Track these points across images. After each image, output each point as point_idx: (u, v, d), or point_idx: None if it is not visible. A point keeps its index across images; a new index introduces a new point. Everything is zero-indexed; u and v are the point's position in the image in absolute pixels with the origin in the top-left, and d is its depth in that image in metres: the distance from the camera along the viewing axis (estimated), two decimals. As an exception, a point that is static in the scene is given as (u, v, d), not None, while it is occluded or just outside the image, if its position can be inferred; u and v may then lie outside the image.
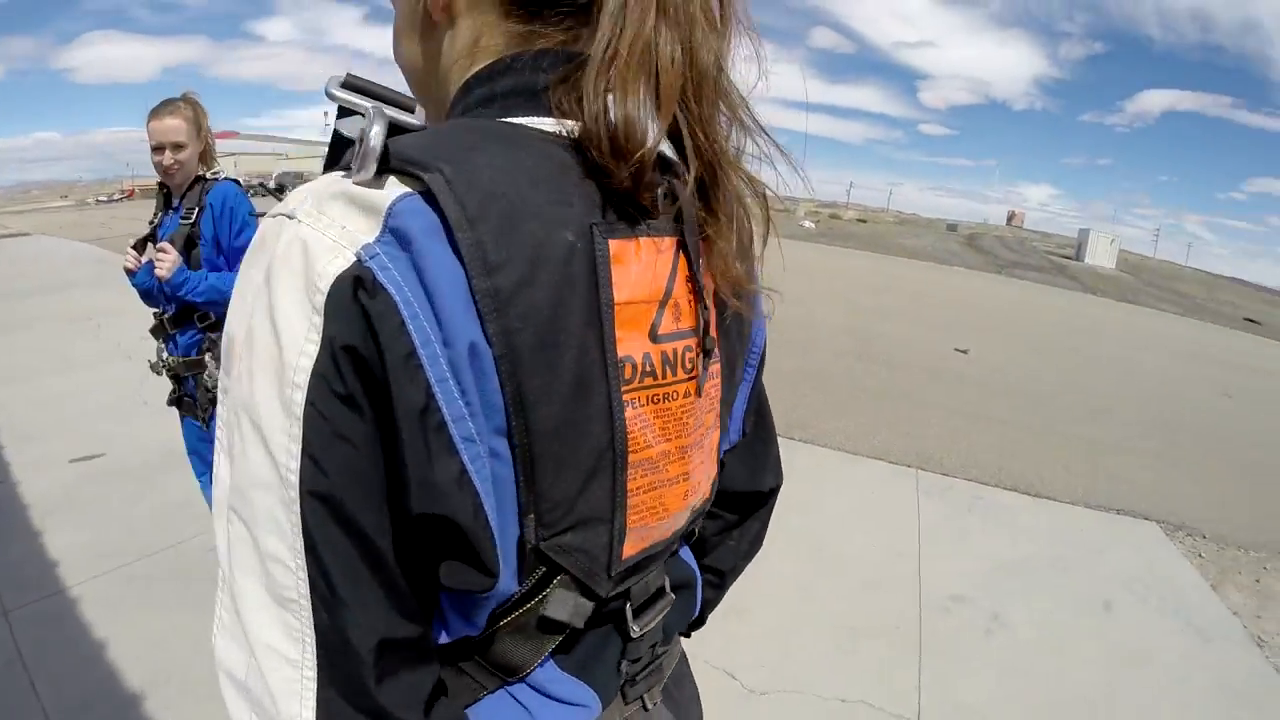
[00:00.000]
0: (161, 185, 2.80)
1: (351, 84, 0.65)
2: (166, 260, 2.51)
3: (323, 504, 0.50)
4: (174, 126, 2.58)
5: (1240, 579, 5.14)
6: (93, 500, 3.92)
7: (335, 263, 0.49)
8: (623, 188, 0.59)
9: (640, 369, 0.62)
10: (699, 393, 0.69)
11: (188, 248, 2.62)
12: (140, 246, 2.75)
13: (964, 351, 11.31)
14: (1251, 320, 33.27)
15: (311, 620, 0.50)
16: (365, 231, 0.51)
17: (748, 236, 0.74)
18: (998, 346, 12.62)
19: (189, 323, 2.70)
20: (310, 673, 0.51)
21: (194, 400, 2.76)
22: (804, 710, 2.95)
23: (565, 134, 0.61)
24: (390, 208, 0.51)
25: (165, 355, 2.79)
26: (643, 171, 0.59)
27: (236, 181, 2.77)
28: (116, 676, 2.70)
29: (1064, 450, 7.14)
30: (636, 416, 0.63)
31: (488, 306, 0.52)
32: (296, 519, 0.50)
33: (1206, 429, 9.55)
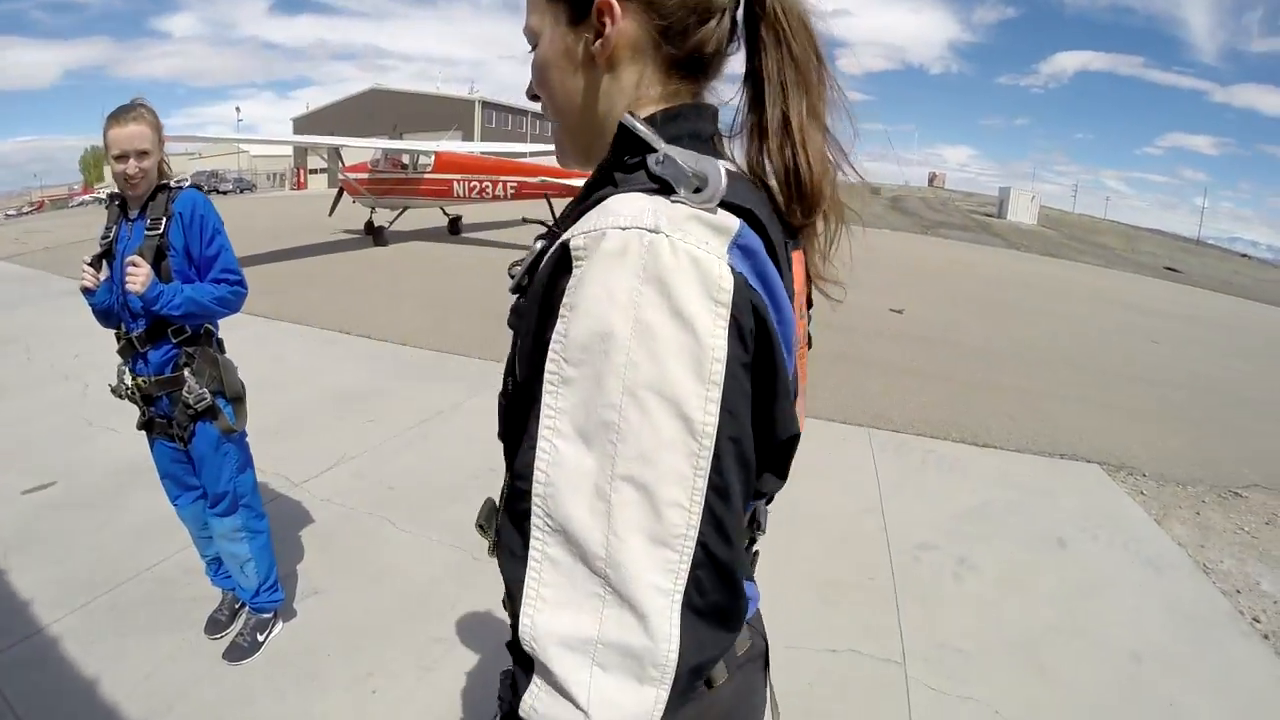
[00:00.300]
0: (113, 196, 2.64)
1: (635, 121, 0.77)
2: (139, 275, 2.35)
3: (733, 445, 0.66)
4: (138, 133, 2.43)
5: (1181, 513, 5.44)
6: (54, 532, 3.74)
7: (724, 271, 0.65)
8: (795, 221, 0.88)
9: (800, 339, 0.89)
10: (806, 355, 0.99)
11: (156, 260, 2.48)
12: (97, 263, 2.53)
13: (899, 312, 11.55)
14: (1172, 269, 34.77)
15: (690, 554, 0.63)
16: (721, 246, 0.66)
17: (827, 243, 0.96)
18: (931, 305, 12.93)
19: (162, 339, 2.56)
20: (678, 599, 0.63)
21: (169, 420, 2.62)
22: (799, 664, 3.05)
23: (749, 175, 0.87)
24: (738, 231, 0.68)
25: (130, 377, 2.61)
26: (812, 211, 0.88)
27: (199, 187, 2.68)
28: (115, 713, 2.57)
29: (1006, 401, 7.44)
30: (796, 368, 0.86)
31: (786, 299, 0.75)
32: (704, 465, 0.63)
33: (1137, 374, 10.01)
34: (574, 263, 0.67)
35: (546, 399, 0.66)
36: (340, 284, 10.12)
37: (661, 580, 0.63)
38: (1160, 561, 4.55)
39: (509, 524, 0.71)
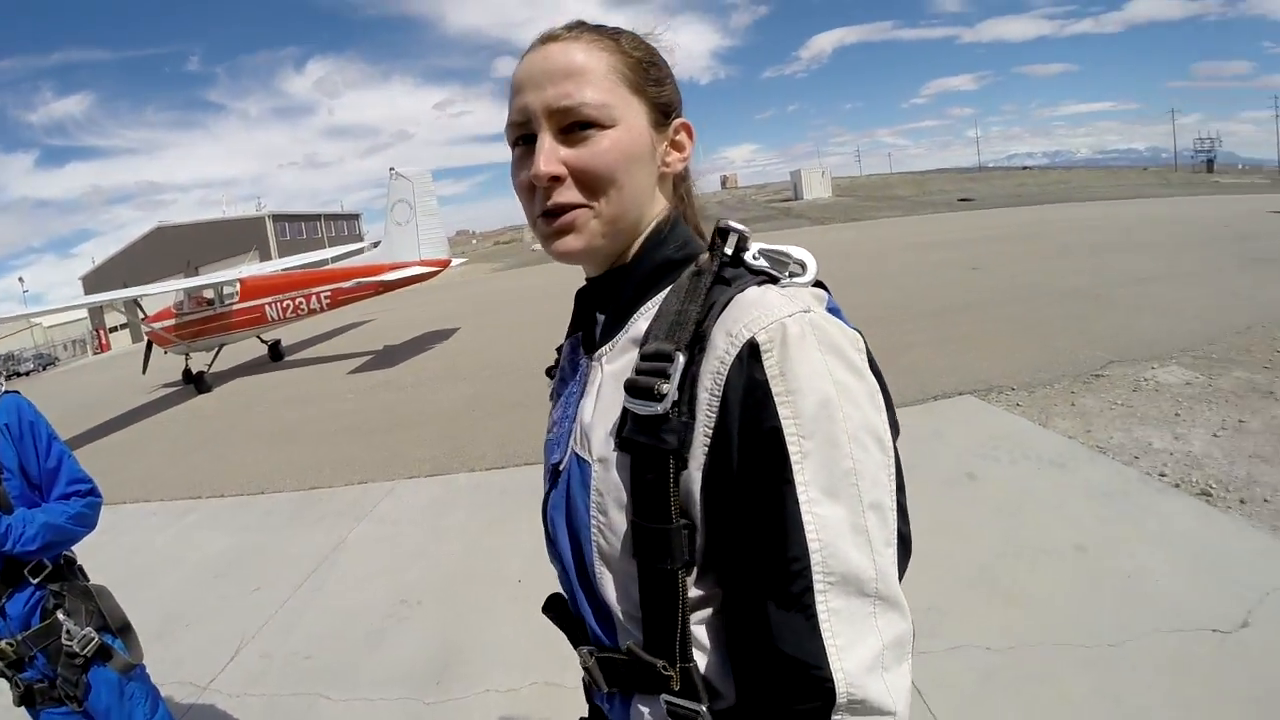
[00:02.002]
0: None
1: (732, 223, 0.87)
2: None
3: (895, 456, 0.80)
4: None
5: (1059, 409, 5.79)
6: None
7: (848, 328, 0.81)
8: None
9: None
10: None
11: None
12: None
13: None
14: (965, 199, 37.81)
15: (896, 535, 0.77)
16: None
17: None
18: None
19: (20, 583, 2.10)
20: (887, 559, 0.74)
21: (51, 682, 2.12)
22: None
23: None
24: (828, 300, 0.84)
25: None
26: None
27: (17, 392, 2.27)
28: None
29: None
30: None
31: None
32: (893, 473, 0.78)
33: (971, 301, 10.76)
34: (764, 355, 0.73)
35: (796, 478, 0.71)
36: (174, 445, 9.25)
37: (896, 571, 0.76)
38: (1061, 458, 4.80)
39: (789, 611, 0.72)
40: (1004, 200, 35.66)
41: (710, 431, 0.75)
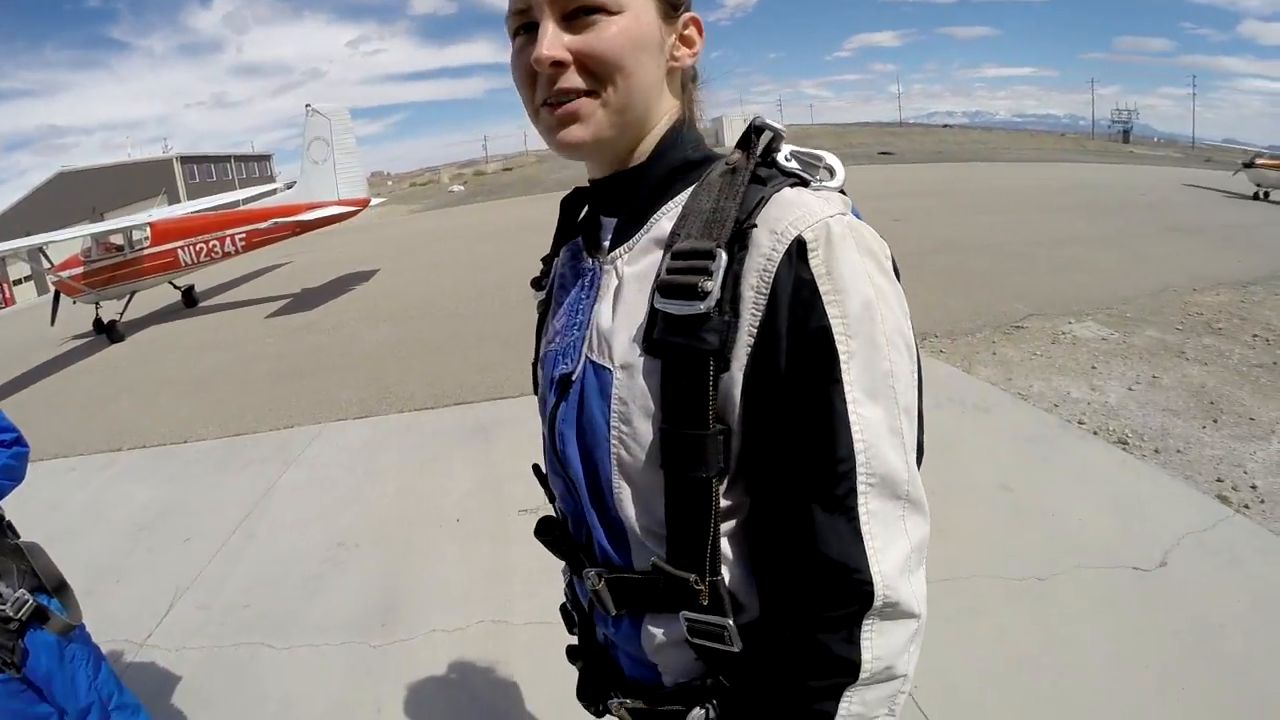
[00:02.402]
0: None
1: (767, 120, 0.84)
2: None
3: (917, 355, 0.80)
4: None
5: (982, 357, 6.02)
6: None
7: (876, 233, 0.80)
8: None
9: None
10: None
11: None
12: None
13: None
14: (885, 153, 38.32)
15: (917, 434, 0.80)
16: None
17: None
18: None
19: None
20: (914, 461, 0.77)
21: None
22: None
23: None
24: (852, 206, 0.81)
25: None
26: None
27: None
28: None
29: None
30: None
31: None
32: (916, 374, 0.78)
33: (895, 252, 10.53)
34: (810, 254, 0.72)
35: (844, 378, 0.71)
36: (89, 398, 8.74)
37: (913, 453, 0.77)
38: (985, 403, 5.00)
39: (833, 514, 0.72)
40: (925, 156, 36.29)
41: (755, 330, 0.73)
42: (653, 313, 0.77)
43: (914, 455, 0.76)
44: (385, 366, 7.84)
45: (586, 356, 0.87)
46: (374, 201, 15.34)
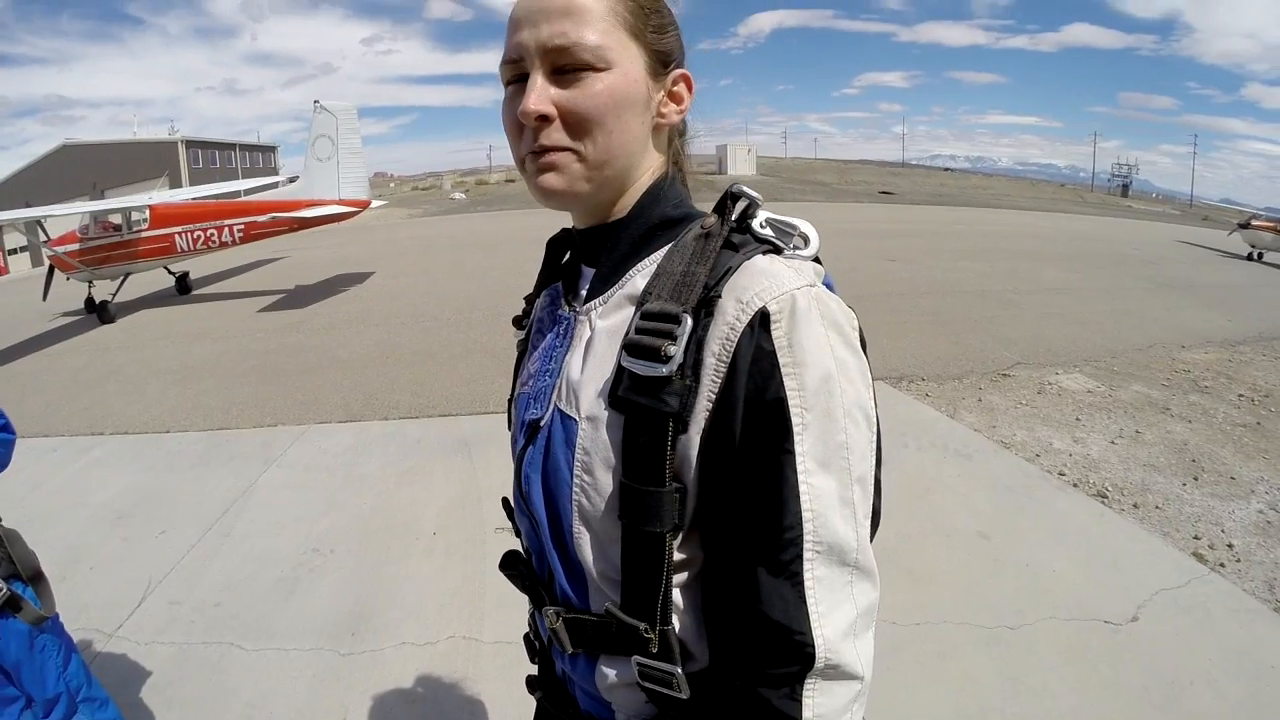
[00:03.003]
0: None
1: (744, 189, 0.88)
2: None
3: (878, 434, 0.81)
4: None
5: (967, 403, 6.06)
6: None
7: (844, 304, 0.81)
8: None
9: None
10: None
11: None
12: None
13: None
14: (886, 192, 38.70)
15: (870, 504, 0.79)
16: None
17: None
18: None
19: None
20: (865, 530, 0.77)
21: None
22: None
23: None
24: (825, 275, 0.84)
25: None
26: None
27: None
28: None
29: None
30: None
31: None
32: (874, 445, 0.80)
33: (887, 291, 11.08)
34: (773, 325, 0.74)
35: (796, 449, 0.72)
36: (75, 378, 8.70)
37: (866, 526, 0.78)
38: (967, 449, 5.03)
39: (778, 578, 0.74)
40: (924, 198, 36.71)
41: (714, 396, 0.75)
42: (620, 369, 0.79)
43: (866, 524, 0.77)
44: (373, 371, 7.83)
45: (555, 405, 0.90)
46: (375, 203, 15.32)
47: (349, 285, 14.03)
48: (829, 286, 0.82)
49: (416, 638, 3.20)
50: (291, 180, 15.76)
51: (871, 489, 0.79)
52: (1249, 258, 18.50)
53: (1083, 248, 18.07)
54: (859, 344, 0.80)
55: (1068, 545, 3.79)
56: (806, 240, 0.84)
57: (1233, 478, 4.74)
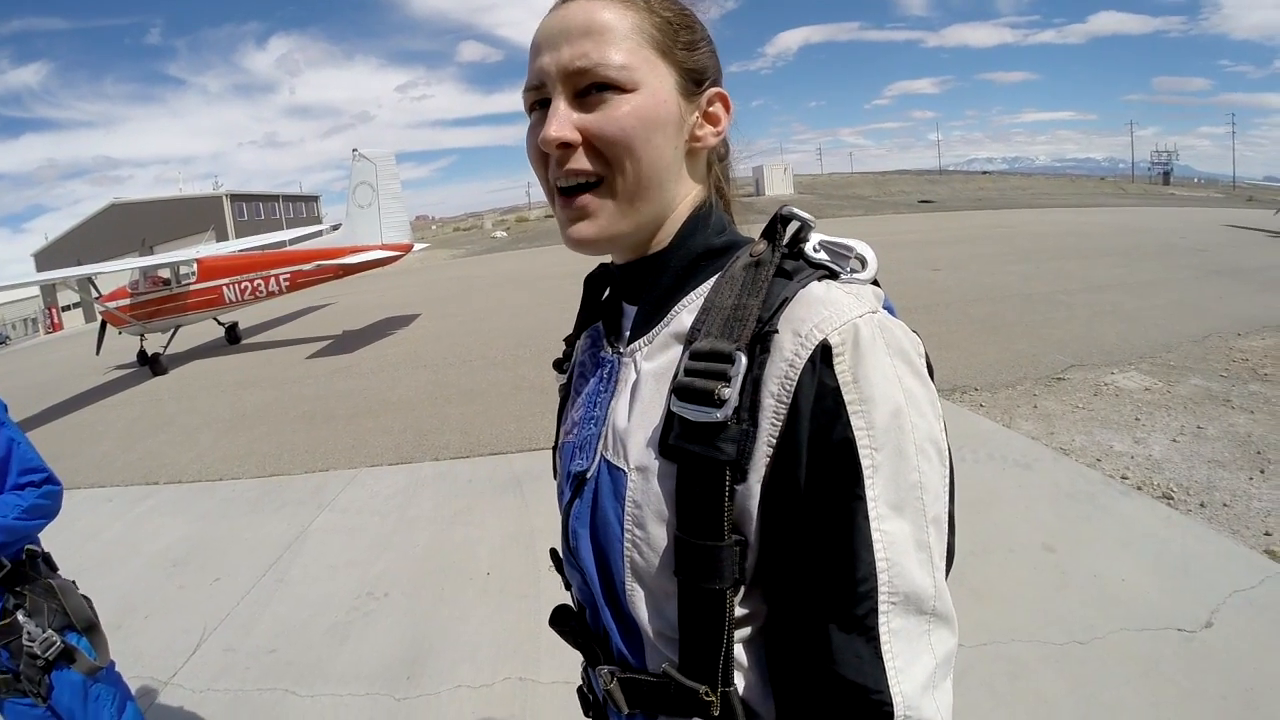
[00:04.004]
0: None
1: (795, 210, 0.81)
2: None
3: (949, 459, 0.74)
4: None
5: (1023, 411, 5.89)
6: None
7: (908, 329, 0.75)
8: None
9: None
10: None
11: None
12: None
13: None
14: (926, 201, 38.44)
15: (945, 543, 0.73)
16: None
17: None
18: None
19: None
20: (941, 573, 0.71)
21: (14, 675, 2.01)
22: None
23: None
24: (884, 298, 0.77)
25: None
26: None
27: None
28: None
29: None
30: None
31: None
32: (948, 480, 0.73)
33: (934, 302, 10.91)
34: (836, 359, 0.68)
35: (868, 493, 0.67)
36: (129, 429, 8.99)
37: (942, 567, 0.72)
38: (1025, 459, 4.88)
39: (850, 634, 0.68)
40: (964, 204, 36.33)
41: (774, 440, 0.70)
42: (669, 415, 0.74)
43: (942, 566, 0.72)
44: (422, 413, 7.89)
45: (602, 455, 0.85)
46: (417, 247, 15.59)
47: (395, 328, 14.26)
48: (889, 310, 0.76)
49: (472, 680, 3.17)
50: (335, 228, 16.14)
51: (946, 527, 0.73)
52: (1297, 234, 17.90)
53: (1128, 241, 17.62)
54: (926, 371, 0.74)
55: (1135, 552, 3.63)
56: (864, 262, 0.76)
57: (1301, 467, 4.51)
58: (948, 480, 0.73)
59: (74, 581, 2.24)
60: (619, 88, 0.77)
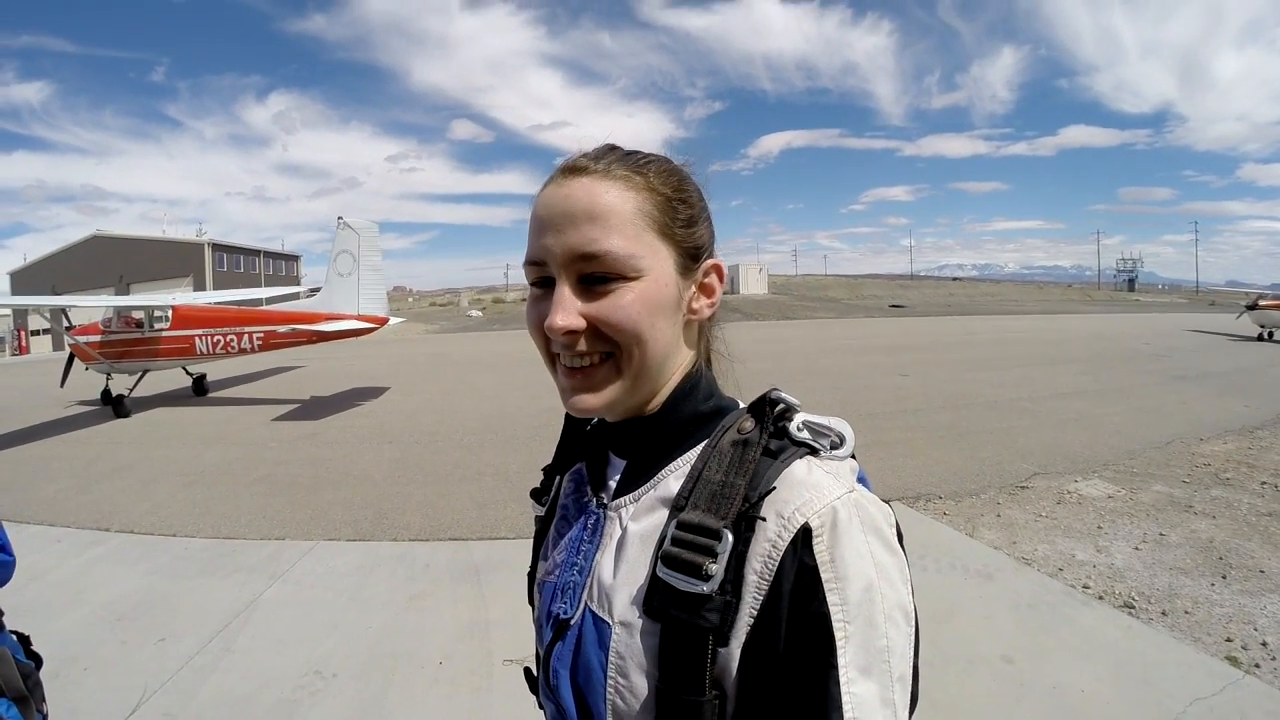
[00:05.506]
0: None
1: (783, 394, 0.86)
2: None
3: (915, 620, 0.77)
4: None
5: (986, 519, 5.95)
6: None
7: (881, 502, 0.80)
8: None
9: None
10: None
11: None
12: None
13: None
14: (896, 305, 39.32)
15: (909, 694, 0.75)
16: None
17: None
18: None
19: None
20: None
21: None
22: None
23: None
24: (858, 470, 0.82)
25: None
26: None
27: None
28: None
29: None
30: None
31: None
32: (913, 639, 0.76)
33: (901, 408, 11.11)
34: (815, 541, 0.73)
35: (839, 661, 0.71)
36: (86, 469, 8.78)
37: None
38: (987, 569, 4.90)
39: None
40: (934, 309, 37.31)
41: (755, 612, 0.74)
42: (654, 578, 0.78)
43: (905, 715, 0.75)
44: (384, 489, 7.74)
45: (586, 604, 0.87)
46: (392, 320, 15.60)
47: (364, 400, 14.19)
48: (863, 482, 0.82)
49: (418, 772, 3.06)
50: (313, 293, 16.13)
51: (910, 681, 0.77)
52: (1259, 338, 18.55)
53: (1093, 347, 18.13)
54: (897, 541, 0.79)
55: (1095, 663, 3.65)
56: (842, 439, 0.82)
57: (1262, 571, 4.65)
58: (913, 638, 0.77)
59: (23, 635, 2.14)
60: (624, 276, 0.80)
